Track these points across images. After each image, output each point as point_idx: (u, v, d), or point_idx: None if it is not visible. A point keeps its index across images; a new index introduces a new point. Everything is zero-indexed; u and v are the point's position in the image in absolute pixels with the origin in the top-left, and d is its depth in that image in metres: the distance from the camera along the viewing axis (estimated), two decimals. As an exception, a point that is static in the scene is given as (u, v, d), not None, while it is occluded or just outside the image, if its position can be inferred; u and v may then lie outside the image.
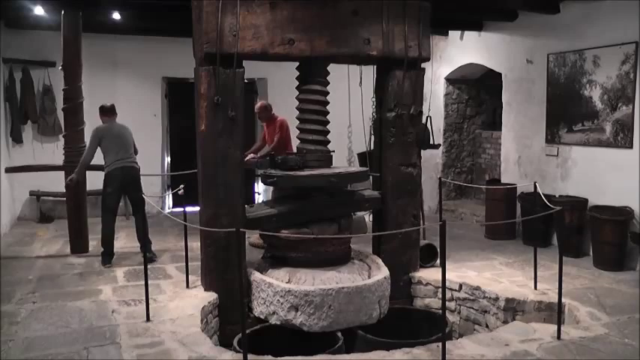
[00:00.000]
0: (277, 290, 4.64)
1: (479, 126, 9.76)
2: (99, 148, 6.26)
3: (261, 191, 9.77)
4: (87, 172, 6.61)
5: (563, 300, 4.33)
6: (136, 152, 6.49)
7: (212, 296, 4.87)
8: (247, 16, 4.79)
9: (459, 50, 8.96)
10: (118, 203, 6.39)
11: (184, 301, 4.79)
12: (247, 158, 6.89)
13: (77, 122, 6.64)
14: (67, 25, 6.45)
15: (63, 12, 6.43)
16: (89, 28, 6.92)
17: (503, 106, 8.15)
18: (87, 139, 6.71)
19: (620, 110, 6.24)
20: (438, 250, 5.05)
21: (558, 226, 6.09)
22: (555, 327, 4.18)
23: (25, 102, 8.51)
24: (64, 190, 6.87)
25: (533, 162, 7.53)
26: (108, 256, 6.09)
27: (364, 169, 5.76)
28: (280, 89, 8.80)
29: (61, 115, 7.61)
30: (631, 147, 6.11)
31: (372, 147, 5.99)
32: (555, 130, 7.12)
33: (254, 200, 9.34)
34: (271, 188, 6.32)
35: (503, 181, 8.08)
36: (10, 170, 7.70)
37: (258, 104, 7.38)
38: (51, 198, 8.64)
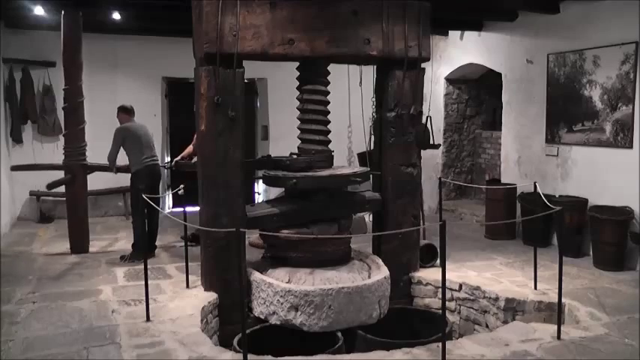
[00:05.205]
0: (277, 290, 4.64)
1: (479, 126, 9.76)
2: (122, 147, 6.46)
3: (261, 191, 9.78)
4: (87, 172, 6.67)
5: (563, 300, 4.33)
6: None
7: (212, 296, 4.87)
8: (247, 16, 4.79)
9: (459, 50, 8.96)
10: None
11: (184, 301, 4.79)
12: (195, 160, 6.93)
13: (78, 121, 6.62)
14: (67, 25, 6.45)
15: (63, 12, 6.43)
16: (89, 28, 6.92)
17: (503, 106, 8.15)
18: (88, 139, 6.74)
19: (620, 110, 6.24)
20: (438, 250, 5.05)
21: (558, 226, 6.08)
22: (555, 327, 4.18)
23: (25, 102, 8.51)
24: (64, 190, 6.87)
25: (533, 162, 7.53)
26: (140, 251, 6.01)
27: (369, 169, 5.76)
28: (280, 89, 8.82)
29: (61, 115, 7.61)
30: (631, 147, 6.11)
31: (372, 147, 5.99)
32: (555, 130, 7.12)
33: (254, 200, 9.34)
34: (272, 188, 6.31)
35: (503, 181, 8.08)
36: (15, 168, 7.71)
37: None
38: (51, 198, 8.63)
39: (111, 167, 6.61)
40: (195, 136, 7.26)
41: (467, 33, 8.70)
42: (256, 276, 4.89)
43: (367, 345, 4.40)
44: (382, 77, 5.54)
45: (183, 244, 6.14)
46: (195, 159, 7.06)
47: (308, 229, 5.01)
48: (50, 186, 6.88)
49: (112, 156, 6.51)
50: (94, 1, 6.70)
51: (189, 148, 7.47)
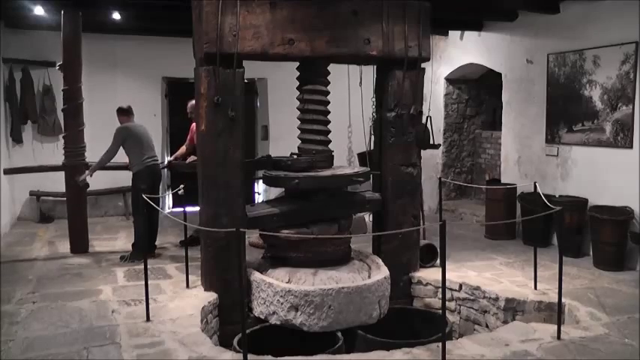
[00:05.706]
0: (277, 290, 4.64)
1: (479, 126, 9.76)
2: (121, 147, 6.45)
3: (261, 191, 9.77)
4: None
5: (563, 300, 4.33)
6: None
7: (212, 296, 4.87)
8: (247, 16, 4.79)
9: (459, 50, 8.96)
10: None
11: (184, 301, 4.79)
12: (189, 160, 6.91)
13: (77, 123, 6.63)
14: (67, 25, 6.45)
15: (63, 12, 6.43)
16: (89, 28, 6.92)
17: (503, 106, 8.15)
18: (87, 139, 6.74)
19: (620, 110, 6.24)
20: (438, 250, 5.05)
21: (558, 226, 6.09)
22: (555, 327, 4.18)
23: (25, 102, 8.50)
24: (64, 190, 6.87)
25: (533, 162, 7.53)
26: (140, 251, 5.96)
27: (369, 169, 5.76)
28: (280, 89, 8.82)
29: (61, 115, 7.61)
30: (631, 147, 6.11)
31: (372, 147, 5.99)
32: (555, 130, 7.12)
33: (254, 200, 9.35)
34: (272, 188, 6.30)
35: (503, 181, 8.08)
36: (8, 172, 7.67)
37: (191, 103, 6.80)
38: (51, 198, 8.64)
39: (93, 169, 6.48)
40: (189, 137, 7.30)
41: (467, 33, 8.70)
42: (256, 276, 4.89)
43: (367, 345, 4.40)
44: (382, 77, 5.54)
45: (180, 247, 6.13)
46: (189, 159, 7.07)
47: (308, 229, 5.01)
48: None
49: (108, 158, 6.42)
50: (94, 1, 6.70)
51: (183, 149, 7.48)
